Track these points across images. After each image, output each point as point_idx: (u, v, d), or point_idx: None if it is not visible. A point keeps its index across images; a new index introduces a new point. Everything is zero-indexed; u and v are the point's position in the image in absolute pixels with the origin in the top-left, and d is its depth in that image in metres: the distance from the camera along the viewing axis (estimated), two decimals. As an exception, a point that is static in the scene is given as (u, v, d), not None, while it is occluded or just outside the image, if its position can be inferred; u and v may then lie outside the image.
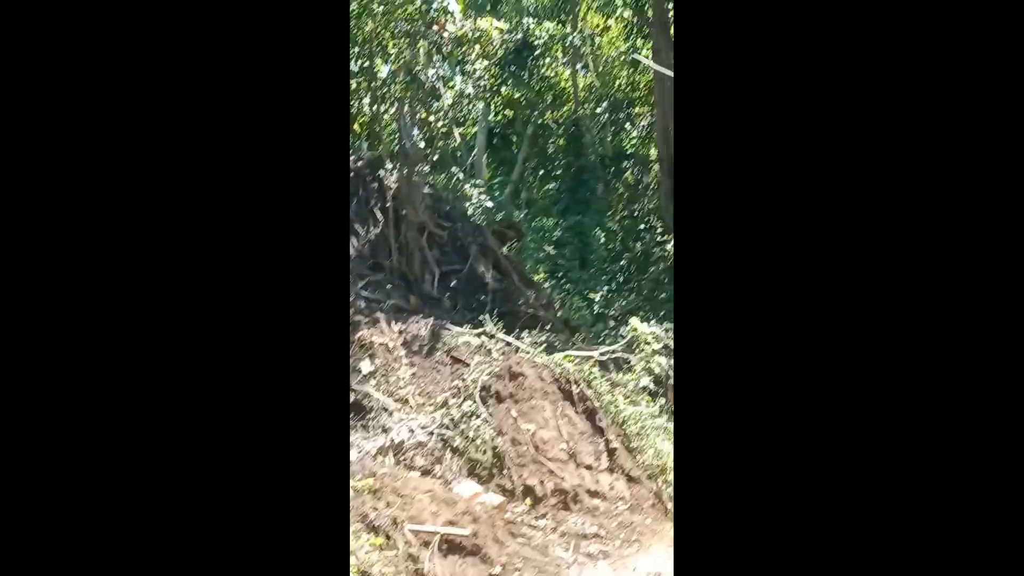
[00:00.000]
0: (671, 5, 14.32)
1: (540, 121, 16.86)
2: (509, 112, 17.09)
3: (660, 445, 7.49)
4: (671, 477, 7.29)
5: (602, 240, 12.14)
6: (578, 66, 15.14)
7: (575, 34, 11.50)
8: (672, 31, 14.55)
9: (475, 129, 15.74)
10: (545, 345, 8.16)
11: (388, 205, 9.19)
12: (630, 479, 6.98)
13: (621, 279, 10.91)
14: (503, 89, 11.89)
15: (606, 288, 10.47)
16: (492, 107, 12.54)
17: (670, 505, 6.84)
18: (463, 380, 7.54)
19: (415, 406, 7.40)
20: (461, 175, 10.24)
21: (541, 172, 17.54)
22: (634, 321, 8.91)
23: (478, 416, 6.99)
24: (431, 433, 6.86)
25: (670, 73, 12.99)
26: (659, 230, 12.26)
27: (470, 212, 10.27)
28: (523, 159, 16.79)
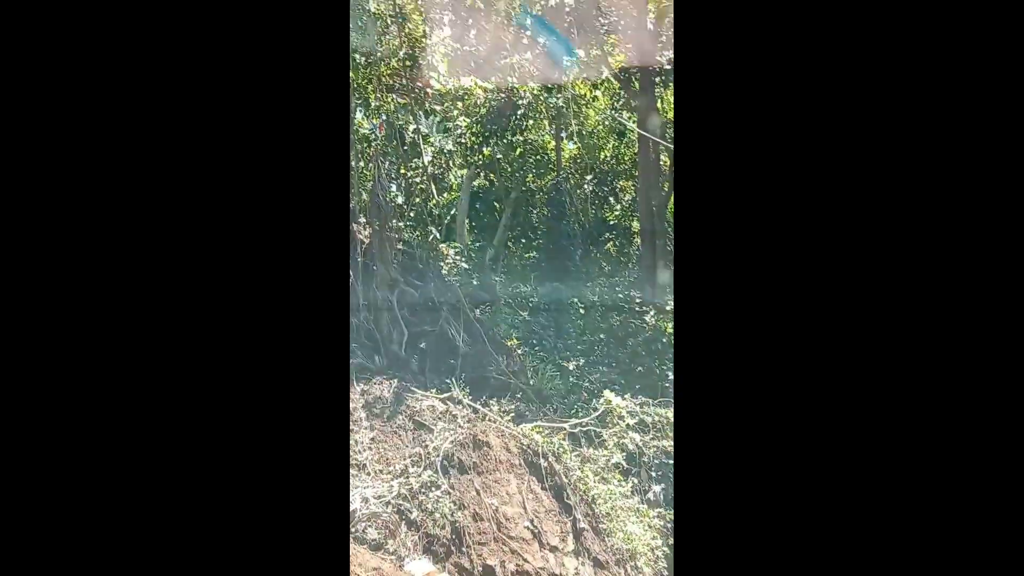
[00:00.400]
0: (658, 79, 14.32)
1: (523, 188, 16.68)
2: (493, 177, 16.93)
3: (630, 528, 7.06)
4: (640, 563, 6.85)
5: (580, 309, 11.80)
6: (562, 133, 15.02)
7: (559, 96, 11.36)
8: (659, 103, 14.53)
9: (458, 193, 15.53)
10: (514, 414, 7.75)
11: (359, 260, 8.82)
12: (597, 564, 6.53)
13: (597, 350, 10.54)
14: (484, 149, 11.65)
15: (581, 359, 10.09)
16: (474, 167, 12.30)
17: (639, 594, 6.39)
18: (424, 447, 7.09)
19: (372, 472, 6.94)
20: (438, 234, 9.93)
21: (523, 240, 17.30)
22: (608, 394, 8.50)
23: (438, 487, 6.54)
24: (387, 503, 6.39)
25: (656, 139, 12.88)
26: (638, 302, 11.96)
27: (445, 272, 9.91)
28: (505, 225, 16.56)
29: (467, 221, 15.81)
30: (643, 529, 7.29)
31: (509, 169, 15.56)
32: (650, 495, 8.04)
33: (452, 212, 14.61)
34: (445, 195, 14.74)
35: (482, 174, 15.95)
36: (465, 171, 14.61)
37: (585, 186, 17.92)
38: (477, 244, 15.18)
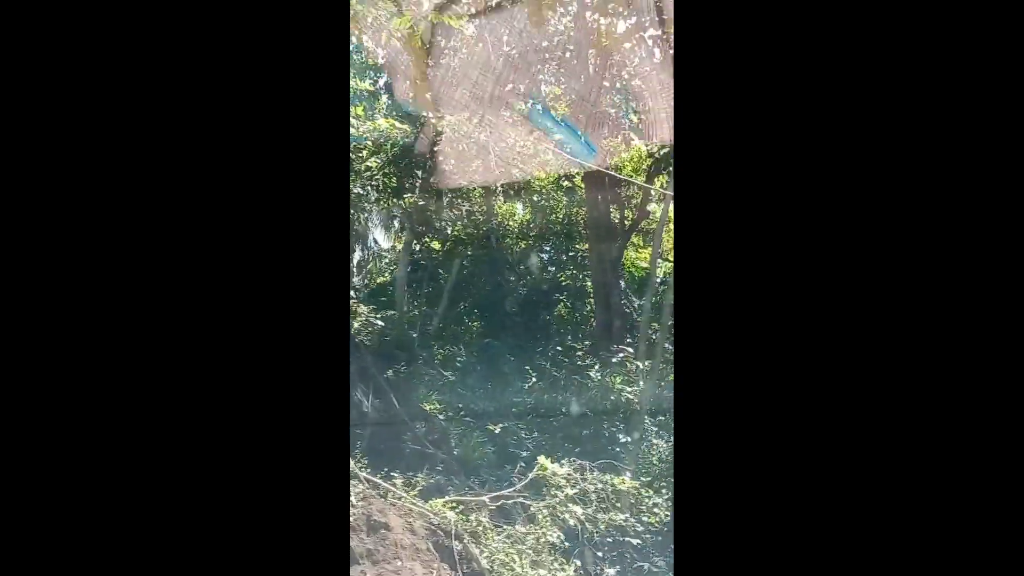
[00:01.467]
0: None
1: (468, 253, 15.66)
2: (436, 245, 15.87)
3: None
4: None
5: (522, 368, 10.47)
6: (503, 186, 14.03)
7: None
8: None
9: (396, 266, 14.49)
10: (421, 488, 6.40)
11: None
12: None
13: (537, 413, 9.21)
14: (406, 196, 10.50)
15: (517, 423, 8.78)
16: (393, 216, 11.17)
17: None
18: (304, 534, 5.73)
19: (236, 570, 5.54)
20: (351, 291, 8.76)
21: (476, 310, 16.19)
22: (542, 459, 7.14)
23: (315, 583, 5.16)
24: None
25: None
26: (579, 354, 10.72)
27: (354, 331, 8.66)
28: (448, 292, 15.50)
29: (405, 288, 14.77)
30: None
31: (449, 231, 14.54)
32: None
33: (386, 276, 13.44)
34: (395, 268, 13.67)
35: (421, 239, 14.93)
36: (404, 238, 13.58)
37: (541, 253, 16.95)
38: (416, 312, 14.05)
